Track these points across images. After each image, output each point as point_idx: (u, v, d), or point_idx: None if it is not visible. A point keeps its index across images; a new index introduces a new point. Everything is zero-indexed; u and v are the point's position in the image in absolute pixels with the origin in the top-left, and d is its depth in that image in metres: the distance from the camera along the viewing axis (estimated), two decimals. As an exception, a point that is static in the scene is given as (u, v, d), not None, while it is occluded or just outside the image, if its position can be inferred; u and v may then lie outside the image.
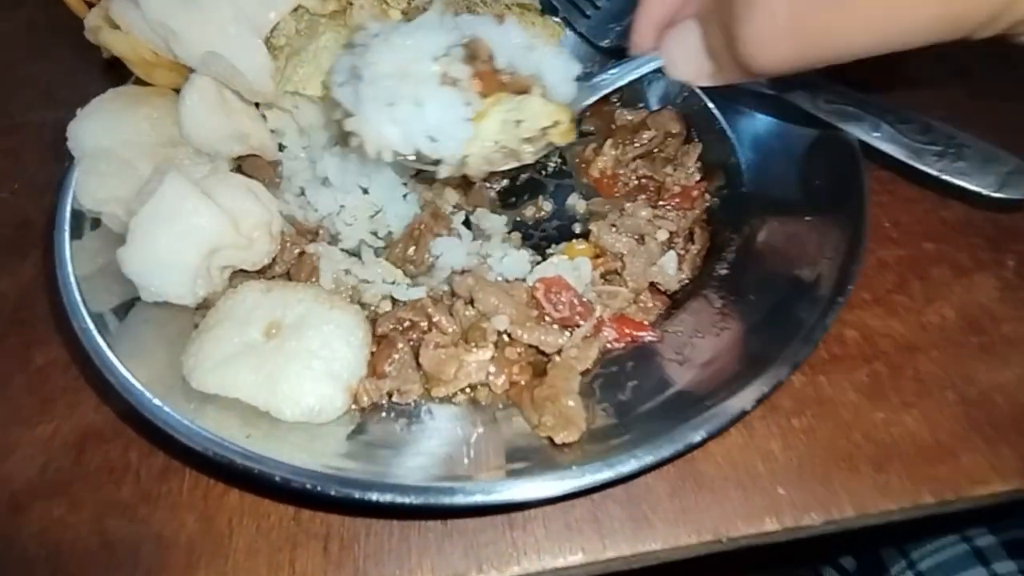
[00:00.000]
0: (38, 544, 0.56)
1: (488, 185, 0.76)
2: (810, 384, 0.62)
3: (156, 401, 0.52)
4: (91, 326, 0.56)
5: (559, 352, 0.60)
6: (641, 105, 0.81)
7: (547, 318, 0.62)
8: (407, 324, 0.63)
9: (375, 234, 0.73)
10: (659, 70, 0.60)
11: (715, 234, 0.70)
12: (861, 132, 0.64)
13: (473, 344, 0.60)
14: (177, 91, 0.67)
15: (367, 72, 0.56)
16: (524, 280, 0.65)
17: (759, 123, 0.73)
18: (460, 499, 0.49)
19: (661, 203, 0.72)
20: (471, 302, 0.62)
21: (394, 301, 0.66)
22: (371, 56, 0.57)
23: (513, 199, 0.76)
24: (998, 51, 0.45)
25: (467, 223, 0.73)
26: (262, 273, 0.66)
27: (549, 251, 0.70)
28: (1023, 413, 0.59)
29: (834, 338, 0.64)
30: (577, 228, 0.73)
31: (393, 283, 0.68)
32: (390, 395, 0.59)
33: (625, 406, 0.56)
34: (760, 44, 0.46)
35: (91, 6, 0.70)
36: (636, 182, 0.76)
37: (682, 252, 0.68)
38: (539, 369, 0.60)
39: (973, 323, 0.65)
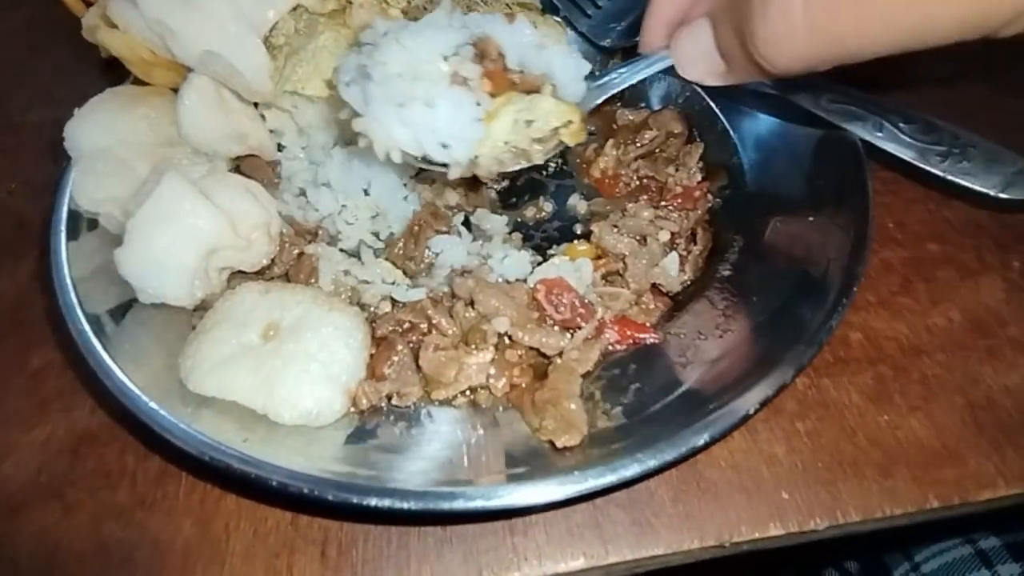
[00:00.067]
0: (33, 549, 0.55)
1: (488, 185, 0.75)
2: (814, 387, 0.61)
3: (152, 404, 0.52)
4: (87, 328, 0.56)
5: (560, 354, 0.60)
6: (643, 105, 0.81)
7: (548, 320, 0.61)
8: (407, 326, 0.62)
9: (376, 235, 0.72)
10: (668, 69, 0.59)
11: (717, 235, 0.69)
12: (864, 132, 0.63)
13: (473, 346, 0.60)
14: (175, 91, 0.67)
15: (377, 72, 0.55)
16: (525, 281, 0.64)
17: (761, 123, 0.73)
18: (460, 504, 0.48)
19: (663, 204, 0.71)
20: (471, 304, 0.62)
21: (394, 302, 0.66)
22: (380, 56, 0.56)
23: (514, 199, 0.76)
24: (1008, 49, 0.44)
25: (467, 224, 0.73)
26: (260, 274, 0.66)
27: (550, 252, 0.70)
28: (1030, 416, 0.59)
29: (838, 340, 0.64)
30: (578, 229, 0.72)
31: (393, 283, 0.67)
32: (389, 398, 0.59)
33: (627, 409, 0.56)
34: (776, 44, 0.45)
35: (89, 5, 0.70)
36: (638, 182, 0.75)
37: (684, 253, 0.68)
38: (540, 371, 0.60)
39: (979, 325, 0.65)
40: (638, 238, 0.67)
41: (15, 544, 0.56)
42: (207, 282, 0.61)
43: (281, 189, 0.73)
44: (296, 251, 0.67)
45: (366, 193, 0.73)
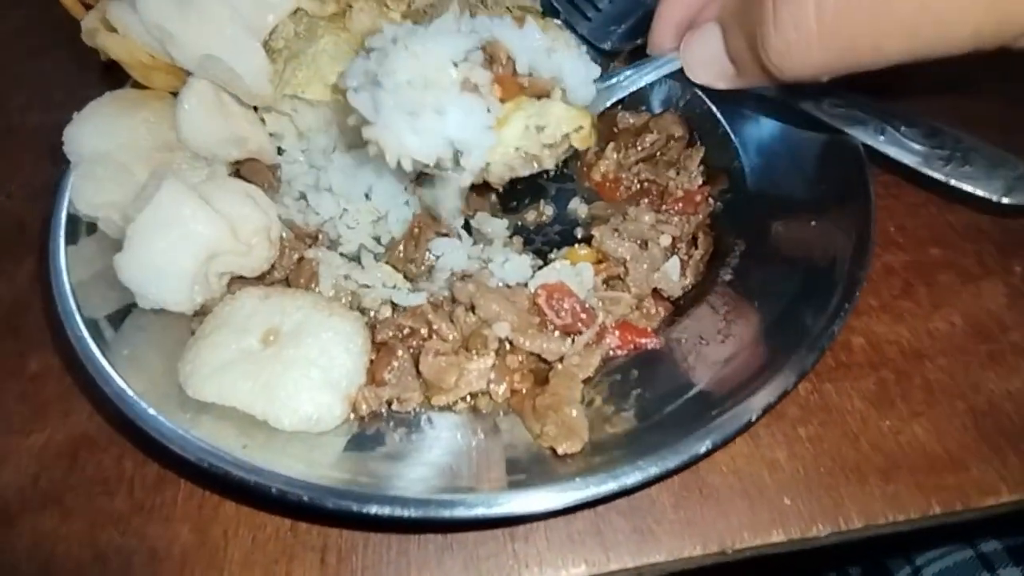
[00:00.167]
0: (29, 556, 0.55)
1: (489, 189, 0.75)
2: (816, 392, 0.61)
3: (151, 410, 0.52)
4: (85, 333, 0.55)
5: (561, 360, 0.60)
6: (644, 108, 0.81)
7: (549, 325, 0.61)
8: (407, 331, 0.62)
9: (377, 240, 0.72)
10: (674, 72, 0.59)
11: (719, 239, 0.69)
12: (866, 136, 0.63)
13: (474, 351, 0.60)
14: (175, 95, 0.67)
15: (387, 80, 0.55)
16: (525, 285, 0.64)
17: (763, 126, 0.72)
18: (461, 512, 0.48)
19: (664, 207, 0.71)
20: (472, 309, 0.61)
21: (394, 306, 0.65)
22: (391, 64, 0.55)
23: (514, 203, 0.75)
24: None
25: (467, 227, 0.72)
26: (261, 279, 0.66)
27: (551, 256, 0.69)
28: (1032, 422, 0.59)
29: (840, 345, 0.63)
30: (579, 233, 0.72)
31: (393, 287, 0.67)
32: (389, 403, 0.58)
33: (628, 415, 0.55)
34: (787, 52, 0.45)
35: (88, 8, 0.70)
36: (638, 186, 0.75)
37: (685, 257, 0.68)
38: (541, 377, 0.59)
39: (981, 330, 0.64)
40: (639, 242, 0.67)
41: (13, 550, 0.55)
42: (207, 287, 0.61)
43: (281, 193, 0.72)
44: (296, 255, 0.67)
45: (367, 197, 0.72)
